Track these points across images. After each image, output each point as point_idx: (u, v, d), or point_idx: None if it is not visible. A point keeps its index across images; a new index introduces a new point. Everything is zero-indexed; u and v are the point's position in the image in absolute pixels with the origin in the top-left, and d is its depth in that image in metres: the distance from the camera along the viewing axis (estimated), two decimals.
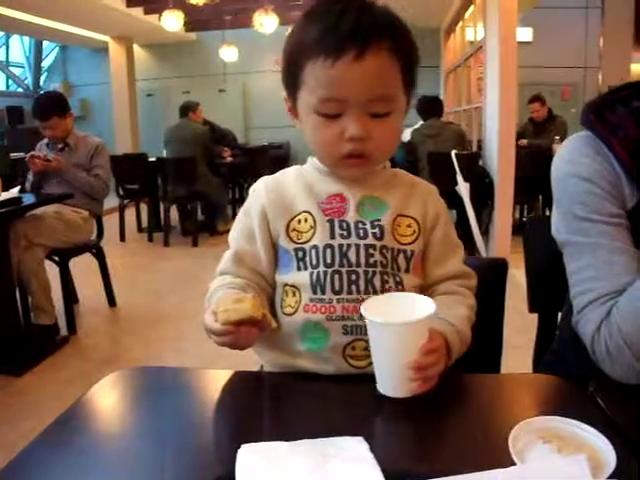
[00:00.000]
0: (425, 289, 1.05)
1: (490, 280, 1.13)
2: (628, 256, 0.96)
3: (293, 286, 1.00)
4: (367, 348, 0.95)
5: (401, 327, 0.83)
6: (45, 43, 11.61)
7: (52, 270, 3.64)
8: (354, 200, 1.01)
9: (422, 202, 1.06)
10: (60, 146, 3.87)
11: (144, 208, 6.92)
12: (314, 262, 0.98)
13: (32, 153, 3.80)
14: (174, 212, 6.78)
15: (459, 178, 4.87)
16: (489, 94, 5.23)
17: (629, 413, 0.79)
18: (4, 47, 11.35)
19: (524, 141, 6.51)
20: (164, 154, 6.69)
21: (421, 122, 5.73)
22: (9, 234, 3.25)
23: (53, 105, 3.79)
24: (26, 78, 11.84)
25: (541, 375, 1.09)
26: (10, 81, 11.53)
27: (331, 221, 1.00)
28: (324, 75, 0.91)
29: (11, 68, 11.55)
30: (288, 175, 1.09)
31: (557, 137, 6.21)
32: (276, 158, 8.30)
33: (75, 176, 3.76)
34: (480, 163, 5.36)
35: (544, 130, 6.65)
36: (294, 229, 1.01)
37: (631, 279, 0.93)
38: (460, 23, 7.72)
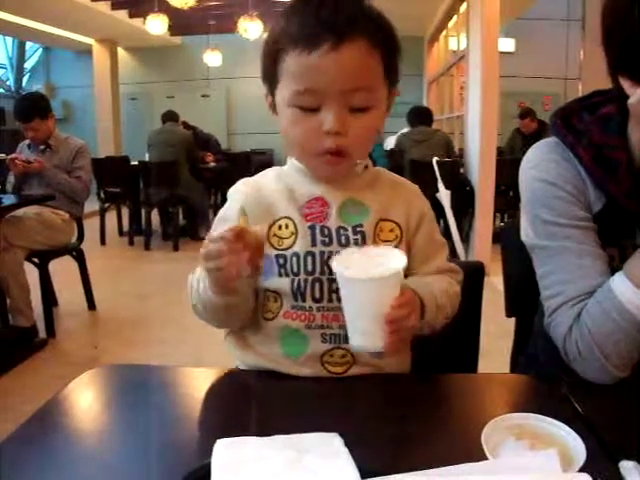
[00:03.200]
0: None
1: (467, 283, 1.13)
2: (596, 258, 0.97)
3: (274, 292, 0.99)
4: (345, 356, 0.96)
5: (372, 282, 0.82)
6: (28, 44, 11.52)
7: (31, 272, 3.61)
8: (336, 204, 1.00)
9: (405, 204, 1.04)
10: (42, 147, 3.84)
11: (125, 211, 6.88)
12: (295, 269, 0.97)
13: (13, 155, 3.78)
14: (155, 216, 6.75)
15: (440, 185, 4.91)
16: (471, 103, 5.28)
17: (601, 411, 0.80)
18: None
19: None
20: (147, 157, 6.67)
21: (408, 128, 5.78)
22: None
23: (35, 106, 3.78)
24: (8, 79, 11.74)
25: (515, 375, 1.10)
26: None
27: (312, 227, 0.98)
28: (300, 66, 0.89)
29: None
30: (268, 178, 1.07)
31: None
32: (259, 164, 8.28)
33: (56, 177, 3.73)
34: (461, 171, 5.41)
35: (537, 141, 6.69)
36: (275, 234, 0.99)
37: (600, 281, 0.95)
38: (444, 32, 7.79)
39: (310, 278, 0.96)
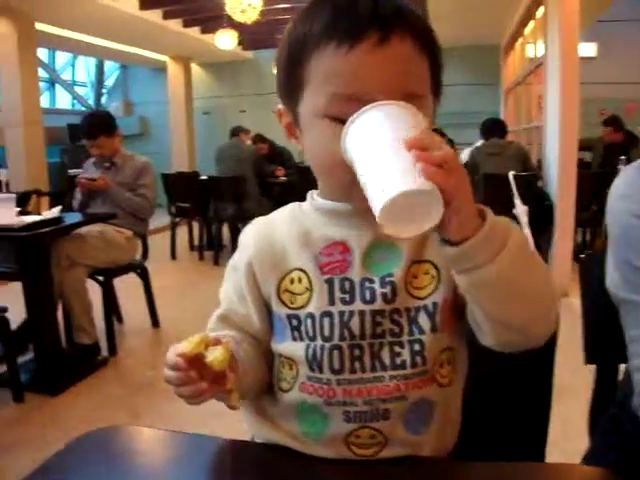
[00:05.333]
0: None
1: None
2: None
3: (289, 358, 0.83)
4: (374, 436, 0.79)
5: (387, 107, 0.64)
6: (107, 63, 11.89)
7: (97, 290, 3.62)
8: (360, 249, 0.80)
9: None
10: (107, 165, 3.86)
11: (196, 226, 6.90)
12: (310, 333, 0.80)
13: (79, 174, 3.81)
14: (226, 231, 6.75)
15: (517, 201, 4.62)
16: (549, 112, 4.99)
17: None
18: (70, 67, 11.69)
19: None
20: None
21: (481, 141, 5.53)
22: (52, 253, 3.24)
23: (100, 124, 3.79)
24: (89, 97, 12.15)
25: (596, 469, 0.83)
26: (75, 100, 11.86)
27: (330, 281, 0.80)
28: (337, 64, 0.71)
29: (76, 87, 11.88)
30: (282, 217, 0.89)
31: (622, 157, 5.84)
32: None
33: (120, 195, 3.73)
34: (540, 185, 5.11)
35: (619, 154, 6.08)
36: (286, 290, 0.82)
37: None
38: (520, 39, 7.49)
39: (327, 345, 0.78)
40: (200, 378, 0.70)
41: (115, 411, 2.85)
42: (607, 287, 0.88)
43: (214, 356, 0.70)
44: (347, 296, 0.79)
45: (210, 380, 0.71)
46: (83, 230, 3.47)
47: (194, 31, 8.46)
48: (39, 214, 3.27)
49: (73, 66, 11.74)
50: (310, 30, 0.74)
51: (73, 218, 3.48)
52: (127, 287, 4.12)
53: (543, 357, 1.01)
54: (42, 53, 9.85)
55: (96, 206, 3.79)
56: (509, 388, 0.84)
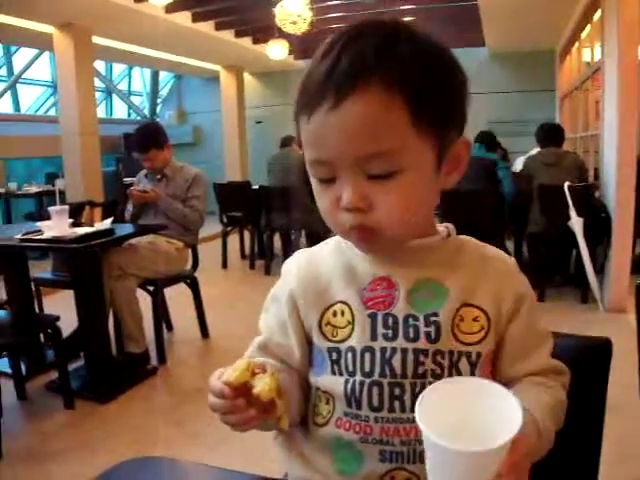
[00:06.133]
0: None
1: (588, 365, 0.87)
2: None
3: (326, 392, 0.82)
4: (410, 479, 0.76)
5: (473, 455, 0.57)
6: (162, 74, 12.12)
7: (147, 299, 3.67)
8: (405, 286, 0.79)
9: (496, 285, 0.80)
10: (158, 177, 3.91)
11: (248, 235, 6.93)
12: (350, 368, 0.78)
13: (132, 186, 3.88)
14: (278, 240, 6.77)
15: (572, 213, 4.47)
16: (607, 119, 4.83)
17: None
18: (127, 78, 11.98)
19: None
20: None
21: (537, 149, 5.38)
22: (103, 264, 3.30)
23: (151, 138, 3.86)
24: (145, 107, 12.41)
25: None
26: (131, 109, 12.14)
27: (373, 316, 0.79)
28: (305, 131, 0.74)
29: (132, 97, 12.16)
30: (327, 250, 0.89)
31: None
32: None
33: (171, 207, 3.78)
34: (596, 195, 4.93)
35: None
36: (328, 323, 0.81)
37: None
38: (576, 44, 7.29)
39: (367, 381, 0.77)
40: (248, 406, 0.69)
41: (165, 419, 2.89)
42: None
43: (261, 387, 0.68)
44: (390, 332, 0.78)
45: (258, 408, 0.70)
46: (134, 241, 3.53)
47: (246, 41, 8.55)
48: (92, 225, 3.34)
49: (129, 76, 12.00)
50: (298, 93, 0.76)
51: (124, 230, 3.54)
52: (178, 296, 4.17)
53: (595, 382, 0.95)
54: (99, 64, 10.11)
55: (148, 217, 3.85)
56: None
